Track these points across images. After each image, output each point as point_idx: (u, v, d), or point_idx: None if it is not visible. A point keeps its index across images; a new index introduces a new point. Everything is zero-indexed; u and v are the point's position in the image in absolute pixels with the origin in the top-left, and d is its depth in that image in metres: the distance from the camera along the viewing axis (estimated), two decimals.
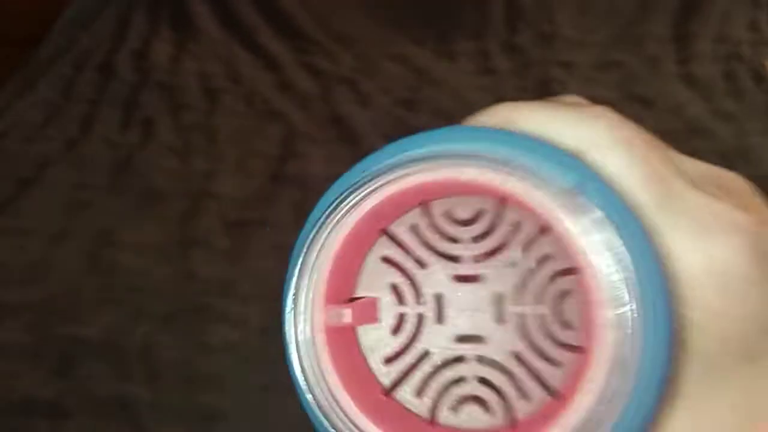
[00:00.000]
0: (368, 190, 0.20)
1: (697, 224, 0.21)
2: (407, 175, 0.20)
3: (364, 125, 1.32)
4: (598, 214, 0.19)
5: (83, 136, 1.29)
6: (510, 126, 0.21)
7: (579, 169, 0.20)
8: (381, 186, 0.20)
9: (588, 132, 0.21)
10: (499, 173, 0.19)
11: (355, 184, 0.20)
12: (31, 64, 1.47)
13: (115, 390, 0.88)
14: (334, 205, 0.20)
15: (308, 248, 0.21)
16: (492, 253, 0.22)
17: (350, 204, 0.20)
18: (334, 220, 0.20)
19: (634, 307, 0.18)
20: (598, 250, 0.19)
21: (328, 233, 0.21)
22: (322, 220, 0.21)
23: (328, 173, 1.22)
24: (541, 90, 1.39)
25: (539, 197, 0.19)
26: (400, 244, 0.23)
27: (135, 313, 0.97)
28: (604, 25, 1.55)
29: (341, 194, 0.20)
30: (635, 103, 1.35)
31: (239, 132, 1.31)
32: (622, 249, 0.18)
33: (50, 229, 1.10)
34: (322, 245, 0.21)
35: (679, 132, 1.28)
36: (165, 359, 0.91)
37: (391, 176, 0.20)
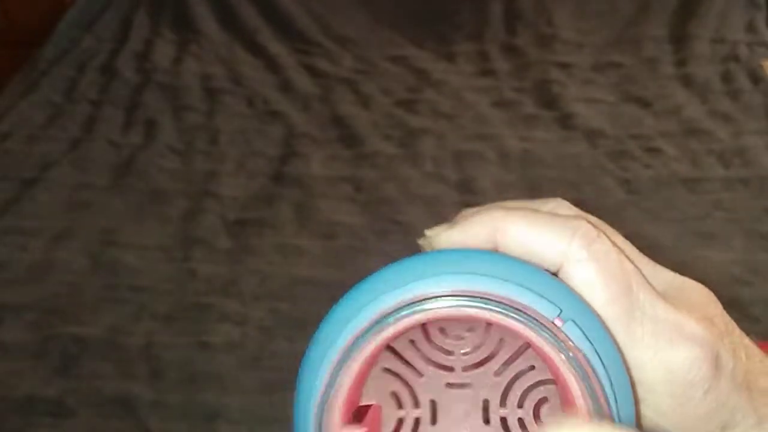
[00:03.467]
0: (387, 324, 0.22)
1: (659, 337, 0.24)
2: (423, 311, 0.22)
3: (364, 126, 1.32)
4: (574, 341, 0.22)
5: (86, 136, 1.30)
6: (500, 244, 0.25)
7: (558, 298, 0.23)
8: (397, 321, 0.22)
9: (566, 248, 0.24)
10: (495, 313, 0.22)
11: (377, 320, 0.22)
12: (34, 66, 1.47)
13: (117, 388, 0.88)
14: (357, 340, 0.22)
15: (332, 379, 0.22)
16: (480, 363, 0.26)
17: (371, 338, 0.22)
18: (357, 350, 0.22)
19: (604, 414, 0.22)
20: (574, 368, 0.22)
21: (351, 362, 0.22)
22: (347, 353, 0.22)
23: (328, 173, 1.23)
24: (540, 91, 1.40)
25: (524, 329, 0.22)
26: (400, 356, 0.26)
27: (137, 312, 0.98)
28: (602, 26, 1.56)
29: (364, 330, 0.22)
30: (633, 104, 1.36)
31: (240, 132, 1.32)
32: (595, 367, 0.22)
33: (53, 229, 1.11)
34: (343, 375, 0.22)
35: (677, 132, 1.28)
36: (166, 358, 0.92)
37: (409, 311, 0.22)
